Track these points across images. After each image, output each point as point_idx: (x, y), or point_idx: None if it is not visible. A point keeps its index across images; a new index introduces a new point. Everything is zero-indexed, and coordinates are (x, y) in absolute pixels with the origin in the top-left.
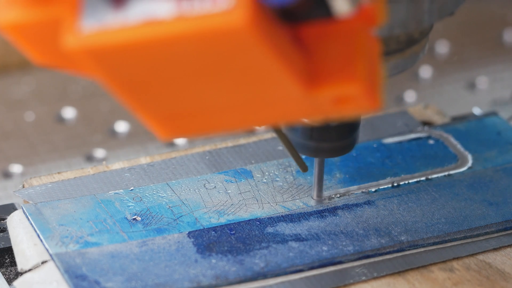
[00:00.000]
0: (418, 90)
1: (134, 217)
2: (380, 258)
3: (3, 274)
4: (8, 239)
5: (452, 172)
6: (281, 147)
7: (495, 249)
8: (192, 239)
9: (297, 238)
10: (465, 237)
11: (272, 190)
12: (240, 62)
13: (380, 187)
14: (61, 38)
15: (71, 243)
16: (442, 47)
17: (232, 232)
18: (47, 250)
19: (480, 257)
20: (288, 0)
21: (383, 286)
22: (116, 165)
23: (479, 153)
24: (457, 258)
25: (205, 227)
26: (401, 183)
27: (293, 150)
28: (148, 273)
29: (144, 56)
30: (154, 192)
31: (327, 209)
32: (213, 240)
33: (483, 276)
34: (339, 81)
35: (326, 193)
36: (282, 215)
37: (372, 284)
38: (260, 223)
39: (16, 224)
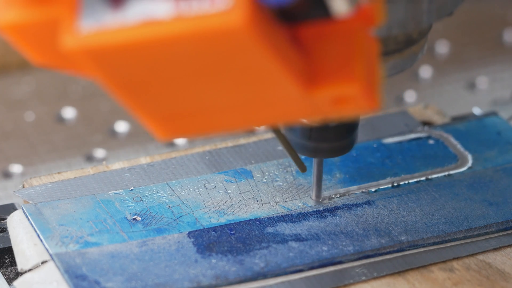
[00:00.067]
0: (418, 90)
1: (134, 217)
2: (380, 258)
3: (3, 274)
4: (8, 239)
5: (452, 172)
6: (281, 147)
7: (495, 249)
8: (192, 239)
9: (297, 238)
10: (465, 237)
11: (272, 190)
12: (238, 62)
13: (380, 187)
14: (59, 38)
15: (71, 243)
16: (442, 47)
17: (232, 232)
18: (47, 250)
19: (480, 257)
20: (287, 0)
21: (383, 286)
22: (116, 165)
23: (479, 153)
24: (457, 258)
25: (205, 227)
26: (401, 183)
27: (292, 150)
28: (148, 273)
29: (143, 56)
30: (154, 192)
31: (327, 209)
32: (213, 240)
33: (483, 276)
34: (337, 81)
35: (326, 193)
36: (282, 215)
37: (372, 284)
38: (260, 223)
39: (16, 224)
